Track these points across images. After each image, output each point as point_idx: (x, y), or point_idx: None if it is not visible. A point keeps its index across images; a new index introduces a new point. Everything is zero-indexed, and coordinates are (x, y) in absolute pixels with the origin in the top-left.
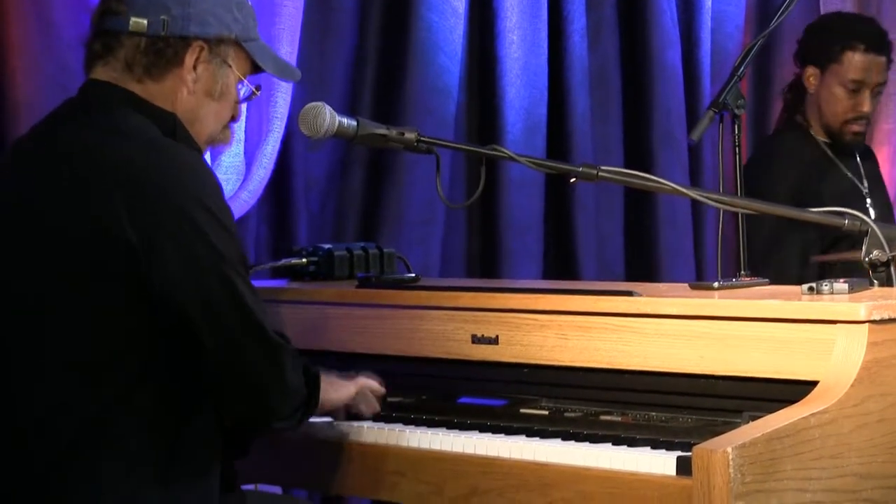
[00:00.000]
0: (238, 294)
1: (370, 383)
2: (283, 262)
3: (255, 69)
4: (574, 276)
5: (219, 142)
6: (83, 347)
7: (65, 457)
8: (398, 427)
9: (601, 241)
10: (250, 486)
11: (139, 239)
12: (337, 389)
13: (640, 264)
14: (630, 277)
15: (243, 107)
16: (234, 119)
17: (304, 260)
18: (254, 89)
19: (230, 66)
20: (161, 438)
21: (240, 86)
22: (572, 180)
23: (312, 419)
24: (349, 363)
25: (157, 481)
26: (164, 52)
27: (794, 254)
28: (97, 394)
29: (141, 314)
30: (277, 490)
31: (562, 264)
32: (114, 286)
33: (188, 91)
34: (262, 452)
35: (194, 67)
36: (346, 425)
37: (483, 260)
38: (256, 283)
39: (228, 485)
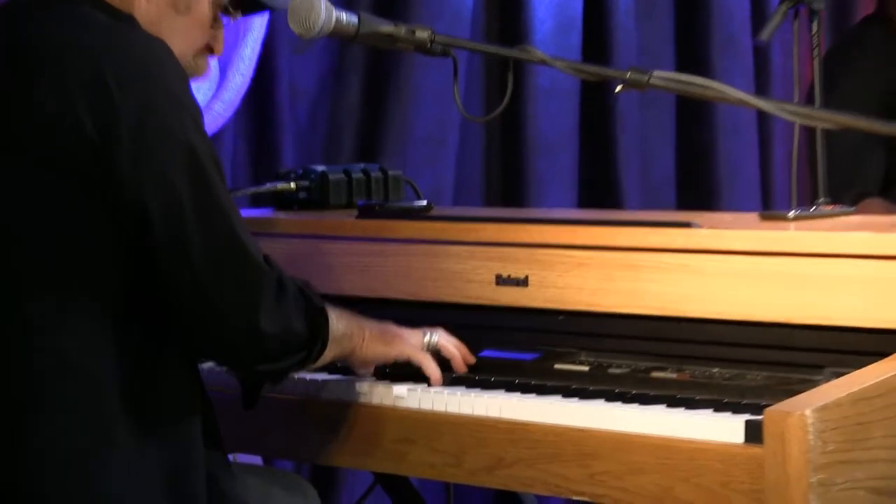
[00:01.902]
0: (213, 195)
1: (443, 345)
2: (268, 187)
3: None
4: (615, 204)
5: (189, 72)
6: (45, 265)
7: (23, 387)
8: (407, 386)
9: (648, 162)
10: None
11: (100, 132)
12: (388, 342)
13: (695, 191)
14: (682, 206)
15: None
16: (211, 51)
17: (292, 185)
18: (232, 12)
19: None
20: (131, 374)
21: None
22: (618, 89)
23: (325, 375)
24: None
25: (129, 417)
26: None
27: (880, 176)
28: (59, 318)
29: (106, 223)
30: (257, 461)
31: (600, 191)
32: (75, 189)
33: None
34: (238, 415)
35: None
36: (343, 382)
37: (505, 185)
38: None
39: (214, 443)
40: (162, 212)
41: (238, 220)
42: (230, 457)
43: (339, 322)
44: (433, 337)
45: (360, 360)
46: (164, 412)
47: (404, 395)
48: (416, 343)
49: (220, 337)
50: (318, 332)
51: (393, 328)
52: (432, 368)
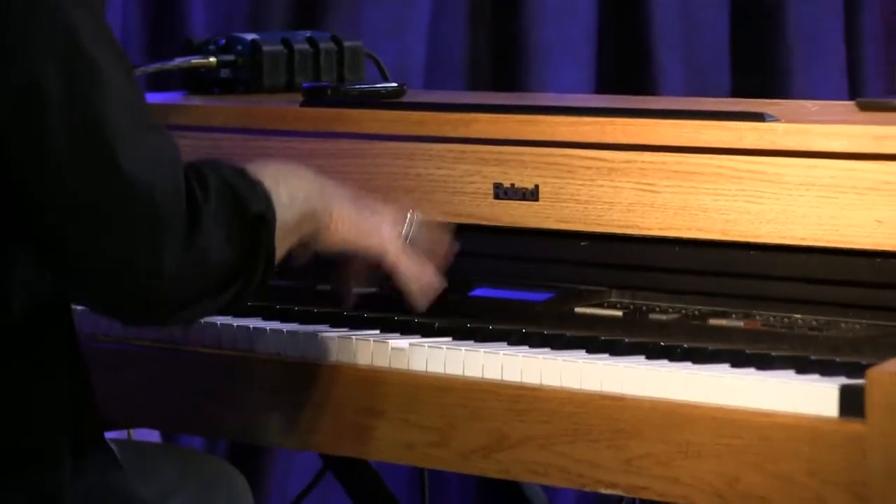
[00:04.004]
0: (94, 94)
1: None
2: (177, 62)
3: None
4: (646, 87)
5: None
6: None
7: None
8: (373, 335)
9: (693, 30)
10: (121, 434)
11: None
12: (361, 226)
13: (757, 71)
14: (741, 92)
15: None
16: None
17: (211, 59)
18: None
19: None
20: None
21: None
22: None
23: (256, 321)
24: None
25: None
26: None
27: None
28: None
29: None
30: (154, 437)
31: (627, 70)
32: None
33: None
34: (136, 377)
35: None
36: (281, 332)
37: (497, 62)
38: None
39: (91, 428)
40: (18, 119)
41: (134, 134)
42: (122, 434)
43: (292, 201)
44: (412, 227)
45: (325, 246)
46: (24, 391)
47: (369, 348)
48: (394, 235)
49: (101, 295)
50: (258, 252)
51: (369, 201)
52: (415, 286)
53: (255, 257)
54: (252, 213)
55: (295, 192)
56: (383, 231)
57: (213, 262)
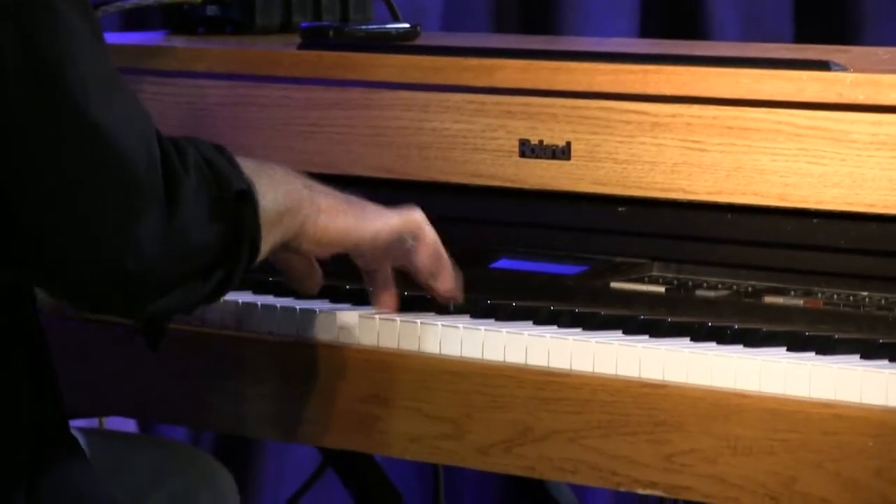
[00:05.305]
0: (56, 57)
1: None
2: None
3: None
4: (699, 34)
5: None
6: None
7: None
8: (378, 313)
9: None
10: (91, 423)
11: None
12: (359, 213)
13: (823, 19)
14: (803, 39)
15: None
16: None
17: None
18: None
19: None
20: None
21: None
22: None
23: (247, 296)
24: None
25: None
26: None
27: None
28: None
29: None
30: (132, 426)
31: (675, 15)
32: None
33: None
34: (109, 358)
35: None
36: (270, 306)
37: (526, 2)
38: None
39: (53, 420)
40: None
41: (104, 91)
42: (92, 422)
43: (275, 191)
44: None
45: (311, 243)
46: None
47: (375, 327)
48: (398, 213)
49: (70, 270)
50: (242, 233)
51: (369, 204)
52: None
53: (239, 240)
54: (234, 190)
55: (275, 185)
56: (383, 224)
57: (195, 240)
